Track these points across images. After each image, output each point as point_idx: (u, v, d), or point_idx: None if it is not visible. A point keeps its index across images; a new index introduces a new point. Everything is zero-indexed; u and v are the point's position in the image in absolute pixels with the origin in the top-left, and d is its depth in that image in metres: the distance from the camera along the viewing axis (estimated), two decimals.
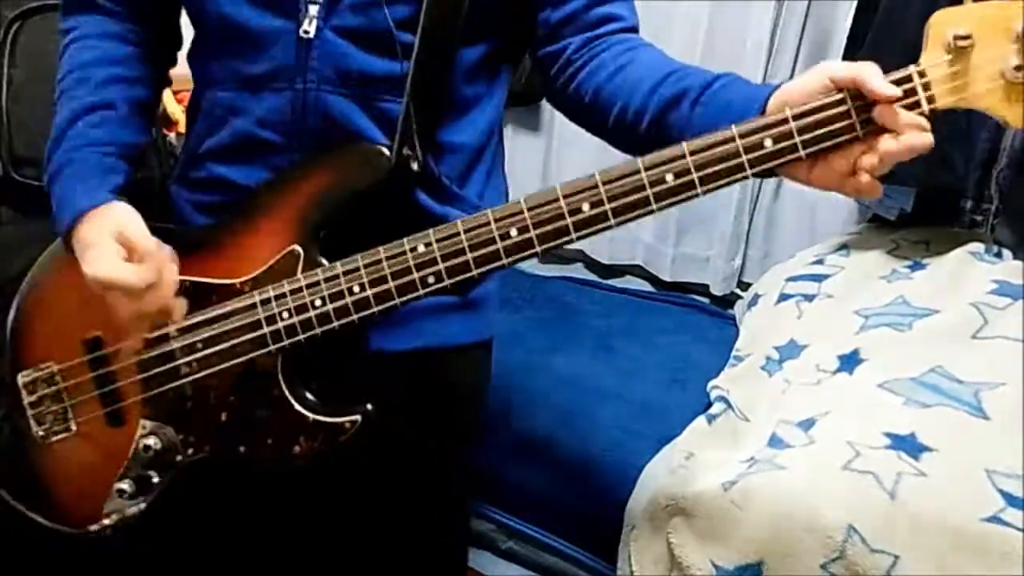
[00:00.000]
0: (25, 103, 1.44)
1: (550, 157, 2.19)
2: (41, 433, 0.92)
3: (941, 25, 0.70)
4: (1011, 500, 0.95)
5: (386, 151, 0.82)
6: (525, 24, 0.90)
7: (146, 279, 0.80)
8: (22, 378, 0.92)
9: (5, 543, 0.98)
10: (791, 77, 1.89)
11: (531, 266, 2.26)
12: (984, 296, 1.27)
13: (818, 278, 1.52)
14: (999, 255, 1.44)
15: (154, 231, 0.84)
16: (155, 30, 0.95)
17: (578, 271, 2.28)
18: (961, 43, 0.69)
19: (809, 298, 1.48)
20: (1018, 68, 0.69)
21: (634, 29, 0.91)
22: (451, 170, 0.90)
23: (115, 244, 0.81)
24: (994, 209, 1.58)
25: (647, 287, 2.21)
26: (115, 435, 0.90)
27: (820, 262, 1.58)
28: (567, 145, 2.12)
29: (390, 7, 0.81)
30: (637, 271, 2.22)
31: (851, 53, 1.66)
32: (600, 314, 1.93)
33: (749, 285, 1.90)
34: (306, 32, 0.82)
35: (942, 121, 0.71)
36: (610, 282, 2.22)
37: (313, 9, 0.82)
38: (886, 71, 0.70)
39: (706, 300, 2.12)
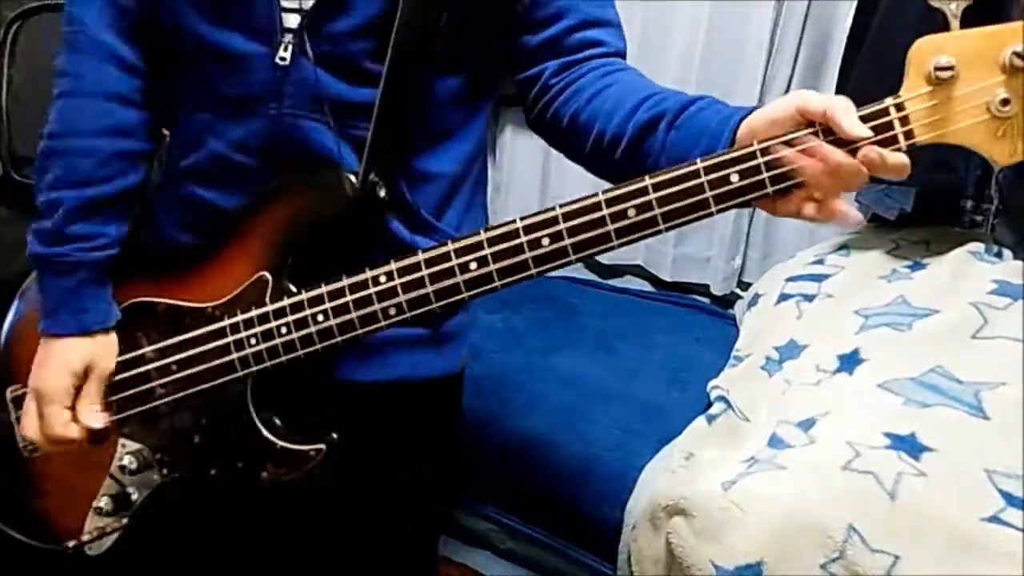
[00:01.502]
0: (25, 103, 1.44)
1: (550, 159, 2.19)
2: (26, 448, 0.92)
3: (923, 54, 0.65)
4: (1011, 500, 0.95)
5: (352, 177, 0.82)
6: (502, 53, 0.89)
7: (68, 437, 0.87)
8: (10, 393, 0.93)
9: None
10: (791, 77, 1.90)
11: None
12: (984, 296, 1.27)
13: (818, 278, 1.52)
14: (999, 255, 1.44)
15: (137, 246, 0.87)
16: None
17: (578, 271, 2.27)
18: (942, 74, 0.64)
19: (809, 298, 1.48)
20: (1005, 102, 0.64)
21: (618, 54, 0.89)
22: (427, 199, 0.89)
23: (76, 381, 0.87)
24: (994, 209, 1.58)
25: (647, 287, 2.22)
26: (96, 453, 0.90)
27: (820, 262, 1.58)
28: None
29: (364, 38, 0.81)
30: (637, 271, 2.22)
31: (851, 53, 1.65)
32: (600, 314, 1.93)
33: (749, 285, 1.90)
34: (282, 59, 0.81)
35: None
36: (610, 282, 2.22)
37: (289, 35, 0.81)
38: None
39: (706, 300, 2.12)
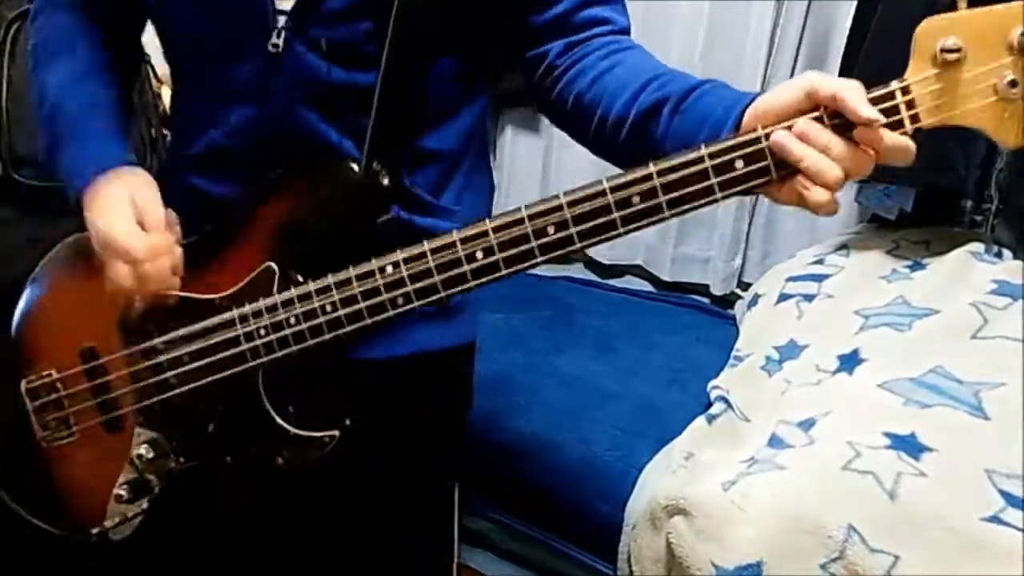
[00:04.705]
0: (25, 103, 1.44)
1: (550, 157, 2.20)
2: (45, 438, 0.93)
3: (928, 36, 0.64)
4: (1011, 500, 0.95)
5: (355, 166, 0.81)
6: (503, 31, 0.88)
7: (152, 248, 0.82)
8: (25, 384, 0.93)
9: (9, 546, 0.99)
10: (791, 76, 1.90)
11: None
12: (984, 296, 1.27)
13: (818, 278, 1.52)
14: (999, 255, 1.44)
15: None
16: (120, 39, 0.96)
17: (578, 271, 2.28)
18: (949, 56, 0.63)
19: (809, 298, 1.48)
20: (1013, 84, 0.62)
21: (623, 31, 0.88)
22: (426, 179, 0.88)
23: (130, 208, 0.83)
24: (994, 209, 1.58)
25: (647, 287, 2.22)
26: (114, 441, 0.91)
27: (820, 262, 1.58)
28: (567, 145, 2.11)
29: (358, 20, 0.80)
30: (637, 271, 2.22)
31: (851, 53, 1.66)
32: (600, 314, 1.93)
33: (749, 285, 1.90)
34: (275, 46, 0.81)
35: None
36: (610, 282, 2.23)
37: (281, 22, 0.81)
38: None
39: (706, 300, 2.13)
